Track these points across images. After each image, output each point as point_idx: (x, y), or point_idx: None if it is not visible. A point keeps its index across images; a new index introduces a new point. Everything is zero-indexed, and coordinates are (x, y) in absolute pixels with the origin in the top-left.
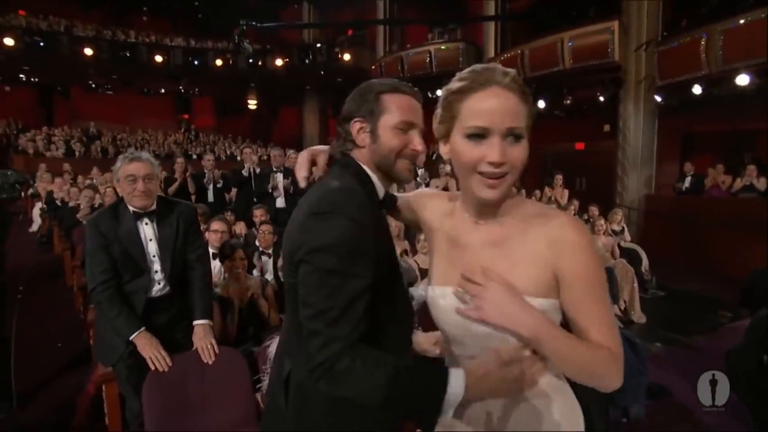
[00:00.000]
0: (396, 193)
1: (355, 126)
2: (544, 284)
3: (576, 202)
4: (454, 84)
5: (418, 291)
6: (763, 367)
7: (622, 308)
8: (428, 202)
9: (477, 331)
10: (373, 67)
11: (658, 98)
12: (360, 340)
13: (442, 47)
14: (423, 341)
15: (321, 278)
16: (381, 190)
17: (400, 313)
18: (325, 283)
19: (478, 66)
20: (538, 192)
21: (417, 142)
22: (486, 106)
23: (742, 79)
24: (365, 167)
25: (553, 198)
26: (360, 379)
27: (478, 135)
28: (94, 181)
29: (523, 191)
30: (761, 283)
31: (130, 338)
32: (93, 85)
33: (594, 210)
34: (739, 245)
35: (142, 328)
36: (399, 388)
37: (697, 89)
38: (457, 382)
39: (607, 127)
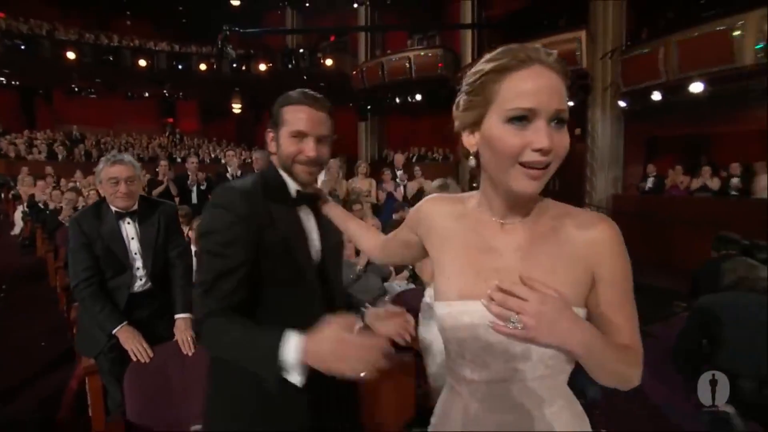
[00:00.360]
0: (387, 236)
1: (269, 135)
2: (582, 290)
3: None
4: (487, 64)
5: (392, 286)
6: (701, 348)
7: None
8: (434, 209)
9: (515, 351)
10: (355, 72)
11: (623, 104)
12: (232, 310)
13: (421, 53)
14: (383, 314)
15: (201, 256)
16: (293, 189)
17: (299, 302)
18: (203, 260)
19: (512, 45)
20: None
21: (308, 149)
22: (531, 85)
23: (696, 87)
24: (280, 170)
25: None
26: (218, 336)
27: (522, 118)
28: (77, 184)
29: None
30: (704, 275)
31: (113, 332)
32: (76, 89)
33: None
34: (695, 240)
35: (125, 322)
36: (245, 344)
37: (656, 95)
38: (291, 341)
39: (577, 131)
